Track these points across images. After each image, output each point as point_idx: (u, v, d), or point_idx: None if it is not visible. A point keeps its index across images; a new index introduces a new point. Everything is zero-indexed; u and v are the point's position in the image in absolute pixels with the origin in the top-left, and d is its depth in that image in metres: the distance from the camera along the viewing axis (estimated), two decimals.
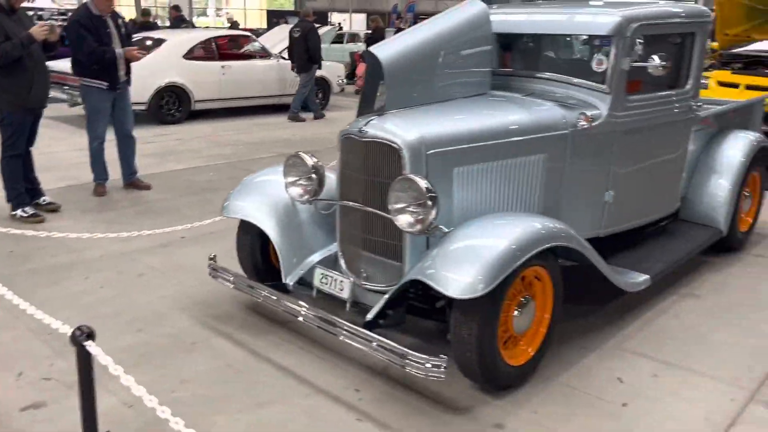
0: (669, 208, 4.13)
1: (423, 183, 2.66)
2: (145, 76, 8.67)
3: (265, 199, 3.39)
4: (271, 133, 9.32)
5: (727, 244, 4.43)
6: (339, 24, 22.53)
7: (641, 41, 3.38)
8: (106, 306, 3.65)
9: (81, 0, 5.70)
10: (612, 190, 3.57)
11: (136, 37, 9.70)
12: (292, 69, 10.35)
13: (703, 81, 5.96)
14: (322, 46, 10.70)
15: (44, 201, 5.30)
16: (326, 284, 3.13)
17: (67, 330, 2.17)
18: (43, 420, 2.63)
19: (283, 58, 10.75)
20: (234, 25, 21.59)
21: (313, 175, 3.23)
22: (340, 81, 11.91)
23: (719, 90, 7.19)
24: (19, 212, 5.02)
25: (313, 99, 10.63)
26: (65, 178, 6.32)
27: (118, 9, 6.32)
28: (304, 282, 3.25)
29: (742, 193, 4.41)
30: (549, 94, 3.49)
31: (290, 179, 3.30)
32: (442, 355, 2.52)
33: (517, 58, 4.09)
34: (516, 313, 2.80)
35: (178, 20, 14.20)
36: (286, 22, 16.07)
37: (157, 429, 2.41)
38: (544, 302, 2.93)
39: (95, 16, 5.42)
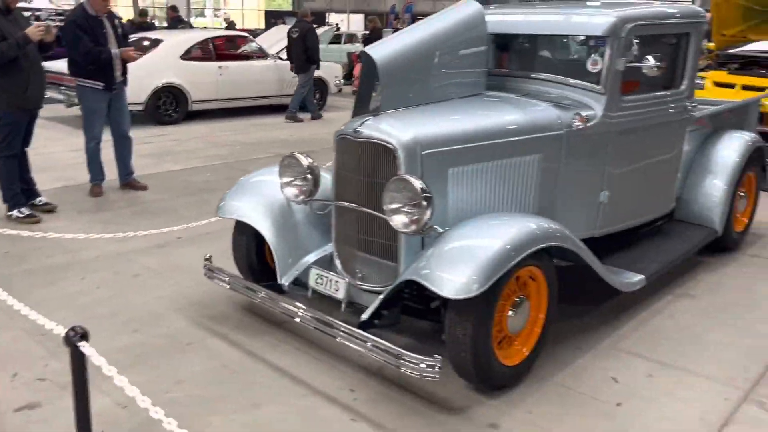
0: (664, 208, 4.14)
1: (418, 183, 2.66)
2: (142, 77, 8.66)
3: (261, 200, 3.39)
4: (269, 134, 9.31)
5: (723, 245, 4.44)
6: (336, 24, 22.53)
7: (636, 42, 3.39)
8: (102, 306, 3.65)
9: (78, 0, 5.68)
10: (607, 190, 3.57)
11: (134, 37, 9.71)
12: (291, 69, 10.35)
13: (698, 81, 5.98)
14: (320, 46, 10.70)
15: (40, 201, 5.29)
16: (321, 285, 3.13)
17: (62, 331, 2.17)
18: (38, 420, 2.63)
19: (280, 59, 10.75)
20: (231, 25, 21.59)
21: (309, 176, 3.23)
22: (338, 81, 11.91)
23: (716, 90, 7.19)
24: (15, 213, 5.02)
25: (311, 99, 10.64)
26: (61, 179, 6.32)
27: (115, 9, 6.32)
28: (300, 282, 3.25)
29: (737, 194, 4.42)
30: (544, 94, 3.50)
31: (285, 180, 3.30)
32: (436, 356, 2.53)
33: (513, 59, 4.09)
34: (510, 313, 2.80)
35: (176, 21, 14.20)
36: (284, 23, 16.07)
37: (151, 429, 2.41)
38: (539, 302, 2.94)
39: (91, 17, 5.42)
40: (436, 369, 2.51)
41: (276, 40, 11.62)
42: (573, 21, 3.63)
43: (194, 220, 4.57)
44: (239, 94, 10.36)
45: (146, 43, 9.57)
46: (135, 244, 4.50)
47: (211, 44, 10.22)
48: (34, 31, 4.68)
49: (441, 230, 2.75)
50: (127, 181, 6.07)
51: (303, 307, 2.93)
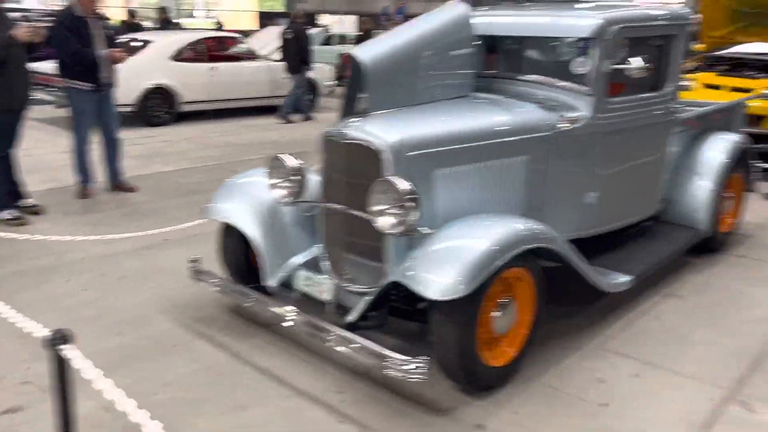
0: (650, 209, 4.16)
1: (403, 185, 2.67)
2: (132, 78, 8.63)
3: (247, 201, 3.39)
4: (260, 135, 9.30)
5: (709, 245, 4.46)
6: (326, 27, 22.51)
7: (622, 44, 3.41)
8: (87, 309, 3.63)
9: (68, 1, 5.65)
10: (593, 191, 3.59)
11: (123, 38, 9.67)
12: (287, 70, 10.35)
13: (686, 83, 6.01)
14: (312, 48, 10.68)
15: (27, 203, 5.26)
16: (309, 286, 3.12)
17: (46, 333, 2.16)
18: (21, 424, 2.61)
19: (271, 60, 10.73)
20: (219, 27, 21.50)
21: (296, 177, 3.23)
22: (330, 83, 11.89)
23: (704, 92, 7.23)
24: (4, 214, 4.98)
25: (303, 100, 10.63)
26: (50, 180, 6.28)
27: (106, 10, 6.30)
28: (286, 284, 3.24)
29: (723, 195, 4.45)
30: (531, 96, 3.51)
31: (273, 181, 3.30)
32: (422, 357, 2.53)
33: (500, 60, 4.10)
34: (497, 314, 2.80)
35: (165, 22, 14.17)
36: (277, 24, 16.04)
37: None
38: (526, 303, 2.94)
39: (78, 18, 5.40)
40: (423, 370, 2.51)
41: (267, 41, 11.60)
42: (560, 23, 3.65)
43: (183, 222, 4.56)
44: (230, 96, 10.34)
45: (136, 44, 9.53)
46: (122, 246, 4.48)
47: (201, 45, 10.19)
48: (21, 32, 4.65)
49: (427, 231, 2.75)
50: (116, 182, 6.04)
51: (295, 310, 2.92)
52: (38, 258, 4.33)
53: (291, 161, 3.23)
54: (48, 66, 7.94)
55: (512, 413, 2.74)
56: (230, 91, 10.29)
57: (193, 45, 10.05)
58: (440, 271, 2.57)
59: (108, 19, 6.01)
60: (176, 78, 9.57)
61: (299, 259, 3.30)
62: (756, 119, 6.67)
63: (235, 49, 10.96)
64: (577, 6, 4.06)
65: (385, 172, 2.80)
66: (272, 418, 2.69)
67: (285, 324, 2.93)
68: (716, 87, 7.39)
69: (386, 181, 2.71)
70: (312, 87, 11.25)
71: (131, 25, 13.15)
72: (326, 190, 3.11)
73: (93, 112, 5.65)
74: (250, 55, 10.82)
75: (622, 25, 3.45)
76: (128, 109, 8.93)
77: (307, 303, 3.10)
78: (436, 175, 2.97)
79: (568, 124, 3.34)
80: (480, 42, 3.68)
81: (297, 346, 3.24)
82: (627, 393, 2.91)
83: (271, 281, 3.24)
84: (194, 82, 9.79)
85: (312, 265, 3.23)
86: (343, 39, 18.99)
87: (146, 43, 9.63)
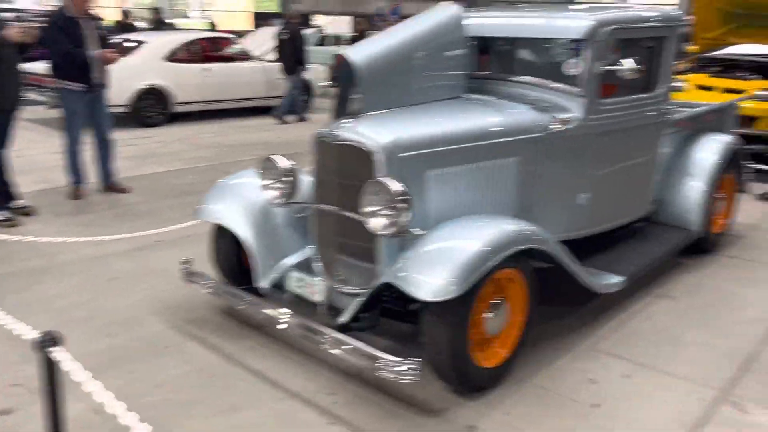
0: (642, 210, 4.17)
1: (395, 186, 2.66)
2: (125, 78, 8.60)
3: (239, 202, 3.38)
4: (254, 136, 9.28)
5: (701, 246, 4.48)
6: (320, 27, 22.49)
7: (614, 45, 3.42)
8: (78, 310, 3.61)
9: (61, 1, 5.62)
10: (585, 192, 3.59)
11: (117, 38, 9.63)
12: (283, 71, 10.34)
13: (679, 84, 6.02)
14: (307, 48, 10.67)
15: (19, 204, 5.23)
16: (301, 288, 3.12)
17: (36, 335, 2.15)
18: (12, 426, 2.60)
19: (265, 60, 10.71)
20: (212, 27, 21.44)
21: (288, 178, 3.22)
22: (324, 83, 11.88)
23: (697, 93, 7.26)
24: None
25: (297, 101, 10.61)
26: (42, 181, 6.25)
27: (100, 11, 6.28)
28: (279, 285, 3.23)
29: (715, 196, 4.46)
30: (523, 97, 3.51)
31: (265, 182, 3.29)
32: (414, 358, 2.53)
33: (493, 61, 4.11)
34: (489, 315, 2.81)
35: (158, 23, 14.12)
36: (271, 25, 16.01)
37: None
38: (518, 304, 2.95)
39: (70, 18, 5.37)
40: (415, 371, 2.51)
41: (261, 41, 11.58)
42: (552, 24, 3.66)
43: (176, 223, 4.54)
44: (224, 96, 10.31)
45: (129, 44, 9.50)
46: (114, 247, 4.46)
47: (195, 46, 10.16)
48: (13, 33, 4.63)
49: (419, 232, 2.75)
50: (109, 183, 6.02)
51: (288, 313, 2.91)
52: (29, 259, 4.31)
53: (283, 162, 3.22)
54: (40, 66, 7.89)
55: (504, 414, 2.74)
56: (224, 91, 10.27)
57: (187, 46, 10.02)
58: (432, 273, 2.56)
59: (101, 19, 5.98)
60: (170, 79, 9.54)
61: (291, 260, 3.29)
62: (748, 120, 6.70)
63: (229, 50, 10.94)
64: (569, 7, 4.07)
65: (377, 173, 2.80)
66: (264, 420, 2.69)
67: (279, 326, 2.92)
68: (709, 88, 7.43)
69: (378, 182, 2.71)
70: (306, 88, 11.25)
71: (125, 25, 13.10)
72: (318, 191, 3.10)
73: (85, 112, 5.62)
74: (244, 56, 10.80)
75: (613, 27, 3.46)
76: (121, 109, 8.90)
77: (300, 304, 3.09)
78: (428, 176, 2.96)
79: (560, 125, 3.35)
80: (472, 43, 3.69)
81: (289, 347, 3.23)
82: (619, 394, 2.92)
83: (263, 282, 3.23)
84: (188, 82, 9.76)
85: (304, 267, 3.22)
86: (337, 40, 19.00)
87: (140, 43, 9.60)
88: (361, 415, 2.71)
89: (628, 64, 3.31)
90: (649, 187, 4.17)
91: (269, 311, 2.98)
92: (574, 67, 3.42)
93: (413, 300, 2.83)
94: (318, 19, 28.41)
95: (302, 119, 10.61)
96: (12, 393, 2.81)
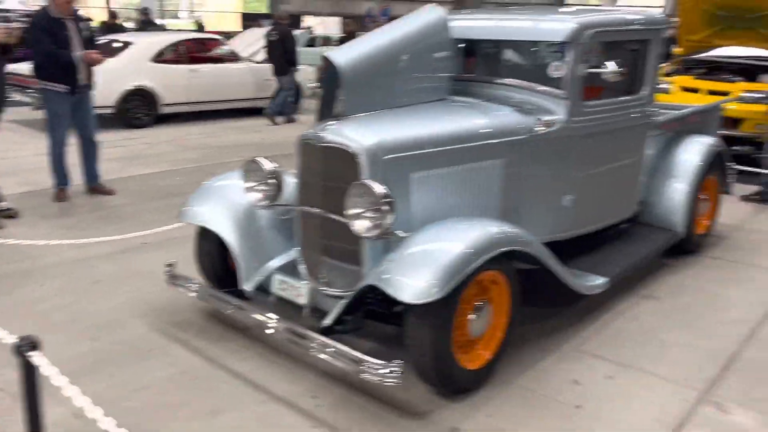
0: (627, 211, 4.19)
1: (379, 188, 2.66)
2: (112, 80, 8.55)
3: (224, 205, 3.36)
4: (242, 137, 9.25)
5: (685, 247, 4.51)
6: (309, 28, 22.48)
7: (597, 48, 3.44)
8: (61, 314, 3.58)
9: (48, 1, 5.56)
10: (570, 194, 3.61)
11: (103, 39, 9.57)
12: (273, 73, 10.31)
13: (664, 86, 6.05)
14: (296, 49, 10.65)
15: (2, 207, 5.18)
16: (284, 290, 3.11)
17: (15, 340, 2.13)
18: None
19: (253, 61, 10.68)
20: (199, 28, 21.36)
21: (272, 181, 3.21)
22: (313, 85, 11.85)
23: (682, 95, 7.32)
24: None
25: (287, 102, 10.59)
26: (26, 183, 6.19)
27: (87, 11, 6.22)
28: (264, 288, 3.22)
29: (699, 197, 4.50)
30: (508, 99, 3.52)
31: (249, 184, 3.28)
32: (397, 361, 2.53)
33: (478, 64, 4.12)
34: (472, 317, 2.81)
35: (145, 23, 14.04)
36: (260, 26, 15.98)
37: None
38: (501, 306, 2.95)
39: (54, 19, 5.32)
40: (398, 374, 2.51)
41: (250, 42, 11.54)
42: (535, 27, 3.67)
43: (162, 225, 4.50)
44: (211, 97, 10.26)
45: (116, 45, 9.44)
46: (98, 249, 4.43)
47: (182, 47, 10.12)
48: None
49: (403, 235, 2.75)
50: (94, 185, 5.97)
51: (275, 317, 2.90)
52: (12, 262, 4.27)
53: (267, 164, 3.21)
54: (25, 67, 7.83)
55: (487, 416, 2.74)
56: (211, 92, 10.23)
57: (174, 46, 9.97)
58: (415, 275, 2.56)
59: (89, 20, 5.93)
60: (157, 80, 9.49)
61: (276, 262, 3.28)
62: (732, 122, 6.76)
63: (217, 51, 10.90)
64: (554, 9, 4.09)
65: (361, 176, 2.79)
66: (247, 423, 2.67)
67: (267, 331, 2.91)
68: (694, 90, 7.49)
69: (363, 184, 2.70)
70: (296, 89, 11.23)
71: (111, 26, 13.02)
72: (303, 193, 3.09)
73: (69, 114, 5.57)
74: (232, 57, 10.76)
75: (596, 30, 3.47)
76: (108, 110, 8.84)
77: (285, 307, 3.08)
78: (413, 178, 2.97)
79: (544, 128, 3.36)
80: (458, 45, 3.70)
81: (273, 350, 3.21)
82: (602, 395, 2.93)
83: (248, 285, 3.21)
84: (175, 83, 9.71)
85: (289, 269, 3.22)
86: (327, 41, 18.99)
87: (126, 44, 9.54)
88: (345, 418, 2.71)
89: (611, 66, 3.33)
90: (635, 188, 4.20)
91: (257, 316, 2.97)
92: (557, 69, 3.43)
93: (398, 302, 2.83)
94: (307, 20, 28.37)
95: (291, 120, 10.59)
96: None
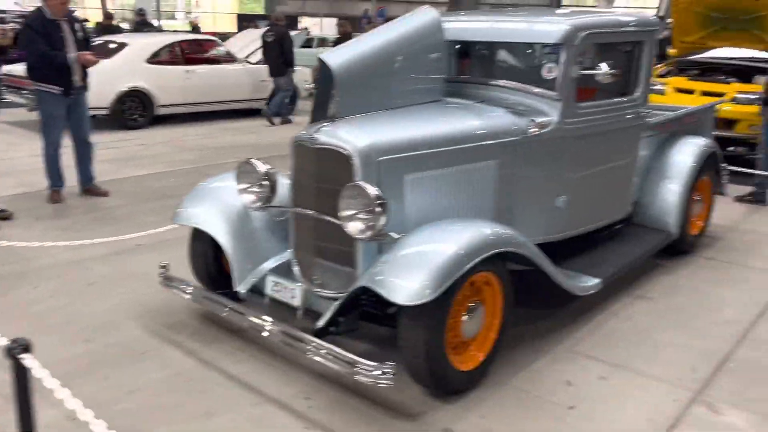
0: (620, 212, 4.20)
1: (372, 190, 2.67)
2: (107, 81, 8.54)
3: (218, 206, 3.36)
4: (237, 138, 9.24)
5: (679, 248, 4.53)
6: (306, 29, 22.49)
7: (590, 49, 3.45)
8: (55, 316, 3.58)
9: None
10: (564, 195, 3.62)
11: (99, 40, 9.55)
12: (270, 74, 10.31)
13: (659, 87, 6.07)
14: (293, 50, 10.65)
15: None
16: (278, 292, 3.11)
17: (6, 342, 2.12)
18: None
19: (249, 63, 10.68)
20: (195, 29, 21.32)
21: (265, 182, 3.21)
22: (309, 86, 11.86)
23: (677, 96, 7.35)
24: None
25: (284, 103, 10.59)
26: (20, 185, 6.18)
27: (83, 12, 6.21)
28: (257, 289, 3.22)
29: (693, 198, 4.51)
30: (501, 100, 3.53)
31: (242, 186, 3.28)
32: (390, 362, 2.53)
33: (472, 65, 4.13)
34: (465, 318, 2.82)
35: (141, 24, 14.02)
36: (256, 27, 15.97)
37: None
38: (494, 307, 2.96)
39: (48, 20, 5.31)
40: (391, 375, 2.52)
41: (245, 43, 11.53)
42: (528, 29, 3.68)
43: (157, 227, 4.50)
44: (207, 99, 10.26)
45: (112, 46, 9.43)
46: (92, 251, 4.42)
47: (177, 48, 10.11)
48: None
49: (396, 236, 2.75)
50: (88, 187, 5.96)
51: (269, 320, 2.90)
52: (6, 264, 4.26)
53: (261, 166, 3.21)
54: (19, 68, 7.82)
55: (480, 417, 2.75)
56: (207, 94, 10.22)
57: (170, 47, 9.97)
58: (408, 276, 2.57)
59: (85, 21, 5.92)
60: (152, 81, 9.48)
61: (270, 264, 3.28)
62: (725, 123, 6.79)
63: (213, 52, 10.89)
64: (548, 11, 4.10)
65: (355, 177, 2.80)
66: (240, 424, 2.67)
67: (263, 334, 2.91)
68: (688, 91, 7.52)
69: (356, 185, 2.71)
70: (292, 90, 11.23)
71: (107, 27, 12.99)
72: (296, 195, 3.10)
73: (64, 115, 5.56)
74: (228, 58, 10.75)
75: (589, 32, 3.48)
76: (103, 112, 8.83)
77: (278, 309, 3.08)
78: (407, 179, 2.97)
79: (537, 129, 3.37)
80: (452, 47, 3.70)
81: (266, 351, 3.21)
82: (595, 395, 2.94)
83: (241, 287, 3.21)
84: (170, 84, 9.70)
85: (283, 271, 3.22)
86: (323, 42, 18.99)
87: (122, 45, 9.53)
88: (338, 419, 2.71)
89: (604, 68, 3.34)
90: (628, 189, 4.21)
91: (253, 319, 2.97)
92: (550, 71, 3.44)
93: (391, 303, 2.84)
94: (304, 21, 28.38)
95: (288, 121, 10.58)
96: None
